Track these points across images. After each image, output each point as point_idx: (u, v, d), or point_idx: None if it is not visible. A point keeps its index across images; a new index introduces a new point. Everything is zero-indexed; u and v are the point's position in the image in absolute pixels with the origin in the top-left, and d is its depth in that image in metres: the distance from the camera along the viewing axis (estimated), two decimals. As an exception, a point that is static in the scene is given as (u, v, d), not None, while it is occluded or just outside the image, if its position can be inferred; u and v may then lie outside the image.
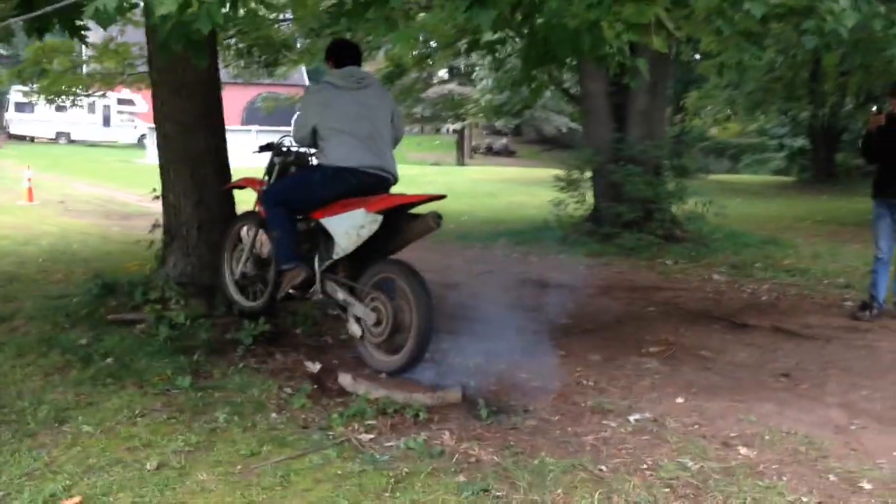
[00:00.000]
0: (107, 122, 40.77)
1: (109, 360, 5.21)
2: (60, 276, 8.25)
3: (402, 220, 5.09)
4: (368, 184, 5.16)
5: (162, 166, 6.31)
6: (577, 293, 8.03)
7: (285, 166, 5.66)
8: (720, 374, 5.66)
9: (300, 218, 5.42)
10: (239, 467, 3.78)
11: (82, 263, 9.11)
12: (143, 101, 36.25)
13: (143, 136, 39.57)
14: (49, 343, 5.52)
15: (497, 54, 5.50)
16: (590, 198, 12.33)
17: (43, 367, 5.15)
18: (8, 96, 37.36)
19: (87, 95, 12.06)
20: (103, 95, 14.13)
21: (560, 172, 12.45)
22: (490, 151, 44.42)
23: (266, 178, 5.74)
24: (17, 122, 38.75)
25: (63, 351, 5.36)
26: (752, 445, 4.22)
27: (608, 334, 6.69)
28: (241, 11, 2.67)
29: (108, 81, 12.04)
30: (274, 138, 5.96)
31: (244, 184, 5.95)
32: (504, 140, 44.66)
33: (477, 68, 16.26)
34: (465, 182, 23.73)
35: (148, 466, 3.76)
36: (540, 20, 3.10)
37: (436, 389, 4.81)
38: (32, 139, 38.44)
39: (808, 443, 4.27)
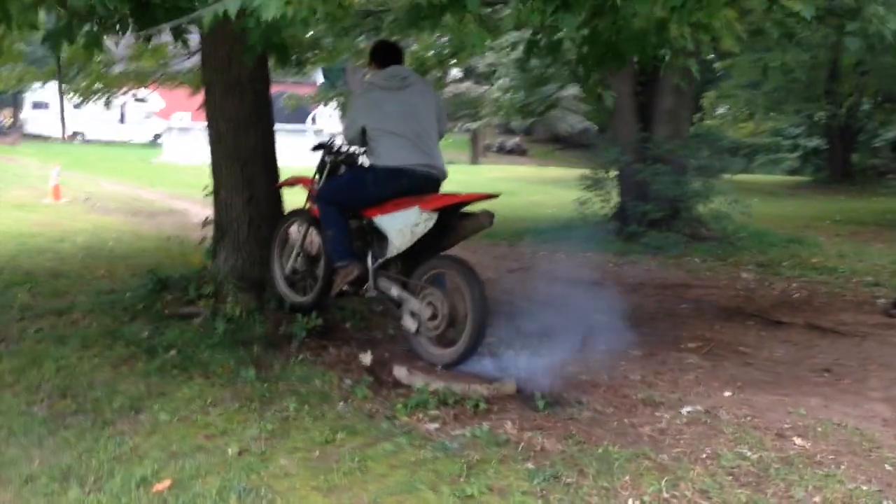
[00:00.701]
0: (122, 119, 40.89)
1: (173, 352, 5.37)
2: (103, 273, 8.41)
3: (455, 218, 5.23)
4: (420, 182, 5.31)
5: (214, 163, 6.46)
6: (610, 290, 8.17)
7: (336, 165, 5.80)
8: (761, 370, 5.78)
9: (352, 216, 5.57)
10: (317, 453, 3.93)
11: (122, 260, 9.28)
12: (159, 100, 36.39)
13: (157, 134, 39.79)
14: (112, 336, 5.69)
15: (556, 55, 5.63)
16: (615, 196, 12.44)
17: (109, 358, 5.31)
18: (24, 95, 37.49)
19: (122, 94, 12.21)
20: (140, 99, 14.14)
21: (586, 171, 12.58)
22: (502, 150, 44.49)
23: (317, 176, 5.89)
24: (32, 121, 38.90)
25: (127, 343, 5.53)
26: (807, 437, 4.34)
27: (645, 330, 6.80)
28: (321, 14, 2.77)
29: (141, 80, 12.19)
30: (325, 138, 6.11)
31: (295, 182, 6.10)
32: (517, 139, 44.72)
33: (499, 68, 16.39)
34: (482, 181, 23.84)
35: (230, 452, 3.91)
36: (604, 22, 3.21)
37: (492, 381, 4.95)
38: (76, 135, 38.36)
39: (859, 434, 4.40)
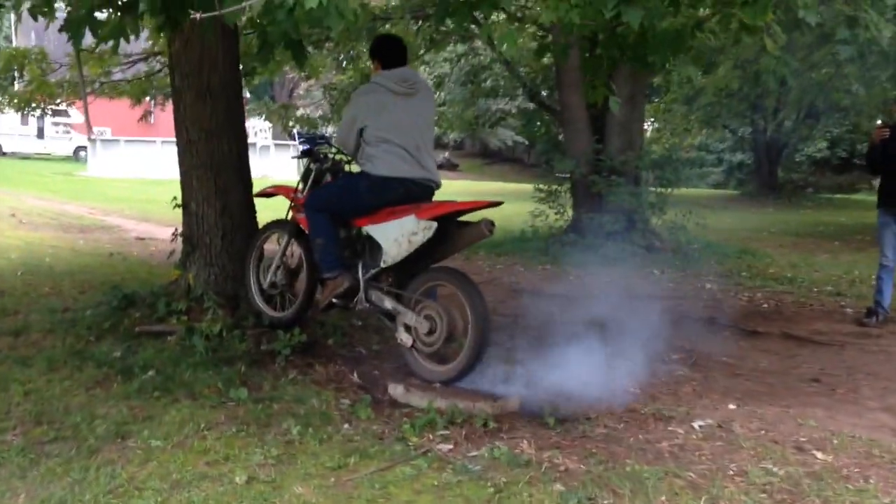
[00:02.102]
0: (41, 133, 39.59)
1: (151, 372, 5.03)
2: (49, 290, 7.96)
3: (452, 227, 5.02)
4: (415, 192, 5.08)
5: (183, 174, 6.13)
6: (578, 303, 8.04)
7: (321, 173, 5.54)
8: (752, 381, 5.72)
9: (341, 225, 5.31)
10: (332, 480, 3.67)
11: (66, 276, 8.81)
12: (78, 113, 35.32)
13: (79, 148, 38.62)
14: (80, 356, 5.31)
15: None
16: (569, 209, 12.40)
17: (80, 380, 4.94)
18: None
19: (58, 104, 11.67)
20: (60, 112, 13.58)
21: (539, 185, 12.53)
22: (432, 165, 44.33)
23: (300, 185, 5.62)
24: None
25: (98, 364, 5.17)
26: (826, 450, 4.26)
27: (625, 343, 6.69)
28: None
29: (76, 91, 11.68)
30: (310, 145, 5.79)
31: (276, 192, 5.82)
32: (446, 153, 44.73)
33: (447, 79, 16.26)
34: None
35: (237, 480, 3.62)
36: (636, 20, 3.06)
37: (495, 398, 4.75)
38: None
39: (876, 446, 4.34)
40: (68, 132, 40.01)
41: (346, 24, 2.82)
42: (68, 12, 3.15)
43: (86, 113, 3.69)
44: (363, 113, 5.08)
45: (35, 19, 3.23)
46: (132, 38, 3.65)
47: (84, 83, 3.76)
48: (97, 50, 8.73)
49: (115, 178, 27.46)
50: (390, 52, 5.23)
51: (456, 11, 3.73)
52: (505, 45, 3.36)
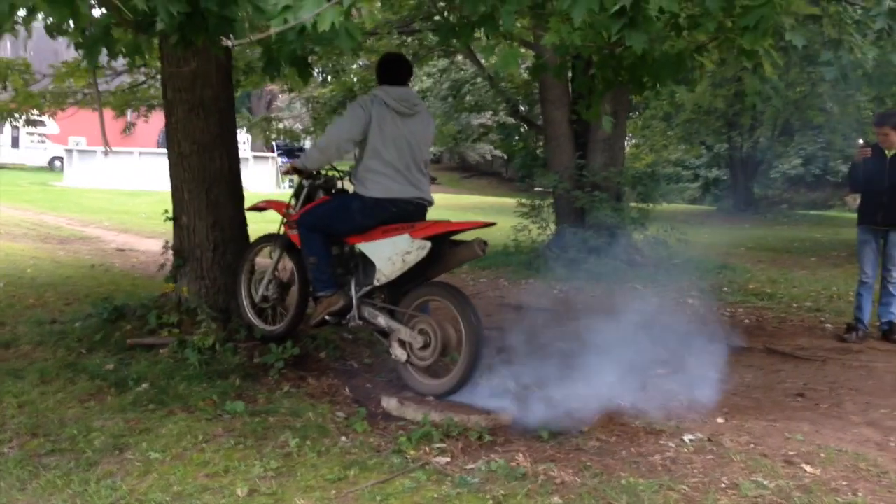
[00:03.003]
0: (15, 143, 39.27)
1: (145, 385, 5.04)
2: (34, 301, 7.94)
3: (445, 247, 5.07)
4: (408, 210, 5.15)
5: (174, 187, 6.14)
6: (563, 317, 8.14)
7: (313, 190, 5.58)
8: (739, 395, 5.81)
9: (334, 242, 5.35)
10: (333, 492, 3.70)
11: (49, 288, 8.78)
12: (53, 123, 35.10)
13: (54, 158, 38.33)
14: (73, 369, 5.32)
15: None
16: (551, 224, 12.49)
17: (74, 393, 4.96)
18: None
19: (41, 115, 11.63)
20: (35, 122, 13.46)
21: (522, 199, 12.60)
22: (410, 178, 44.36)
23: (292, 201, 5.65)
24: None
25: (91, 377, 5.17)
26: (814, 463, 4.34)
27: (612, 356, 6.76)
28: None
29: (58, 102, 11.66)
30: (288, 157, 5.84)
31: (268, 206, 5.85)
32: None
33: (429, 94, 16.37)
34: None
35: (239, 492, 3.65)
36: (639, 44, 3.14)
37: (488, 411, 4.80)
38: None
39: (862, 460, 4.42)
40: (43, 142, 39.71)
41: (354, 44, 2.88)
42: (83, 31, 3.18)
43: (102, 128, 3.69)
44: (357, 126, 5.06)
45: (52, 37, 3.26)
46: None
47: (99, 98, 3.76)
48: (82, 63, 8.70)
49: (92, 189, 27.29)
50: (395, 71, 5.25)
51: (459, 32, 3.80)
52: (504, 66, 3.44)
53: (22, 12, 2.91)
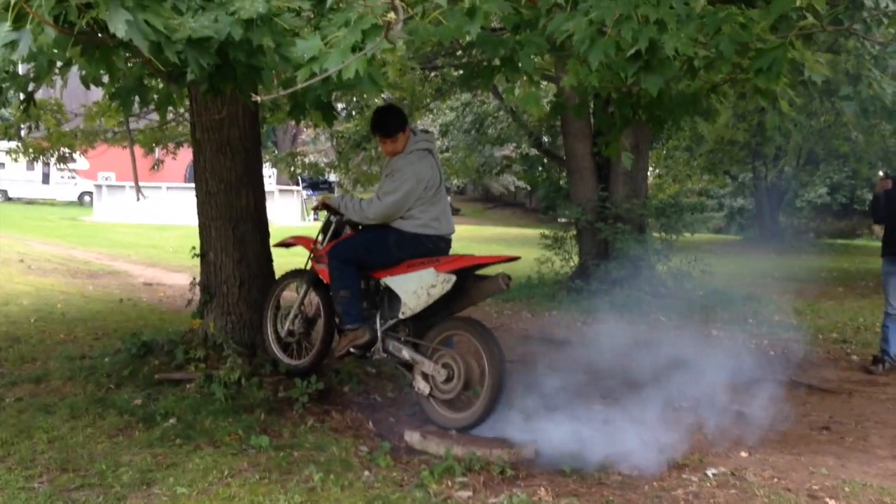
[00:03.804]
0: (46, 179, 39.90)
1: (172, 420, 5.12)
2: (64, 337, 8.06)
3: (470, 280, 5.14)
4: (440, 246, 5.25)
5: (202, 224, 6.26)
6: (586, 349, 8.13)
7: (340, 225, 5.67)
8: (762, 428, 5.77)
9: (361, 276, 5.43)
10: (357, 527, 3.75)
11: (79, 323, 8.91)
12: (83, 159, 35.62)
13: (84, 193, 38.90)
14: (102, 404, 5.41)
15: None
16: (574, 256, 12.52)
17: (103, 428, 5.03)
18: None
19: (72, 153, 11.86)
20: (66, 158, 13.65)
21: (545, 231, 12.64)
22: (434, 210, 44.54)
23: (320, 237, 5.74)
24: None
25: (120, 412, 5.26)
26: (838, 497, 4.34)
27: (636, 390, 6.77)
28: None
29: (89, 140, 11.87)
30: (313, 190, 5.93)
31: (295, 242, 5.94)
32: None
33: (452, 127, 16.54)
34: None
35: (264, 527, 3.70)
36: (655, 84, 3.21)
37: (512, 445, 4.83)
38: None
39: (887, 494, 4.42)
40: (73, 177, 40.27)
41: (378, 89, 2.97)
42: (117, 82, 3.31)
43: (135, 175, 3.78)
44: (422, 183, 5.17)
45: (87, 87, 3.38)
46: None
47: (133, 149, 3.88)
48: (113, 104, 8.88)
49: (121, 223, 27.65)
50: (407, 119, 5.42)
51: (480, 74, 3.89)
52: (525, 105, 3.52)
53: (59, 63, 3.04)
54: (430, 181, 5.17)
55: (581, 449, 4.94)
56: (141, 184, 4.65)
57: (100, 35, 2.63)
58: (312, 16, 3.04)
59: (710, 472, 4.68)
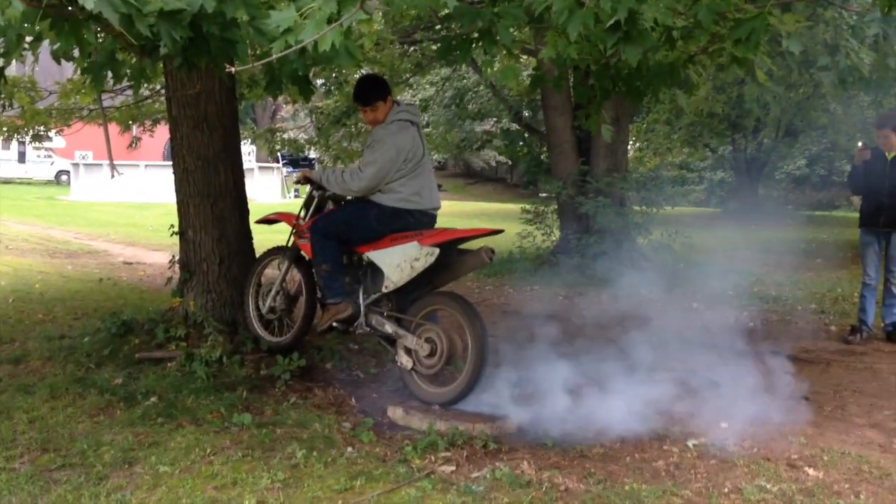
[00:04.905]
0: (22, 158, 39.46)
1: (153, 398, 5.10)
2: (42, 317, 8.01)
3: (453, 254, 5.13)
4: (422, 220, 5.22)
5: (180, 202, 6.21)
6: (569, 323, 8.19)
7: (323, 200, 5.64)
8: (742, 399, 5.80)
9: (343, 251, 5.40)
10: (339, 502, 3.75)
11: (57, 303, 8.84)
12: (59, 138, 35.22)
13: (61, 172, 38.53)
14: (82, 383, 5.37)
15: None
16: (555, 230, 12.53)
17: (84, 408, 5.01)
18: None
19: (48, 131, 11.71)
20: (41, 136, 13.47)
21: (527, 205, 12.64)
22: (415, 185, 44.43)
23: (302, 212, 5.71)
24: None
25: (100, 391, 5.23)
26: (817, 466, 4.38)
27: (617, 362, 6.79)
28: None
29: (65, 118, 11.72)
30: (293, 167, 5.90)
31: (278, 218, 5.91)
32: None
33: (432, 102, 16.46)
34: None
35: (247, 504, 3.70)
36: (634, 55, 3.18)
37: (493, 419, 4.85)
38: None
39: (865, 462, 4.46)
40: (49, 156, 39.85)
41: (354, 63, 2.93)
42: (89, 55, 3.25)
43: (109, 152, 3.71)
44: (400, 154, 5.13)
45: (58, 63, 3.33)
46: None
47: (106, 126, 3.82)
48: (87, 82, 8.76)
49: (99, 202, 27.43)
50: (389, 90, 5.37)
51: (458, 47, 3.86)
52: (504, 80, 3.50)
53: (28, 38, 2.99)
54: (410, 153, 5.13)
55: (562, 422, 4.97)
56: (119, 162, 4.58)
57: (69, 8, 2.59)
58: (287, -13, 3.00)
59: (690, 442, 4.71)
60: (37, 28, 2.77)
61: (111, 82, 4.25)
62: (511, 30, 3.50)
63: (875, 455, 4.60)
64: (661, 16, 2.91)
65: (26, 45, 3.18)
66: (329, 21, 2.59)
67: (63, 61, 3.60)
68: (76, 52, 3.30)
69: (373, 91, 5.26)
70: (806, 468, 4.35)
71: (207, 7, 2.66)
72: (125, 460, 4.22)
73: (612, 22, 3.03)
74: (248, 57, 3.08)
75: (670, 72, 4.01)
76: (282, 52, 2.54)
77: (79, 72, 4.56)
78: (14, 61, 4.56)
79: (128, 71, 3.57)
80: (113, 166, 4.01)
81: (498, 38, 3.41)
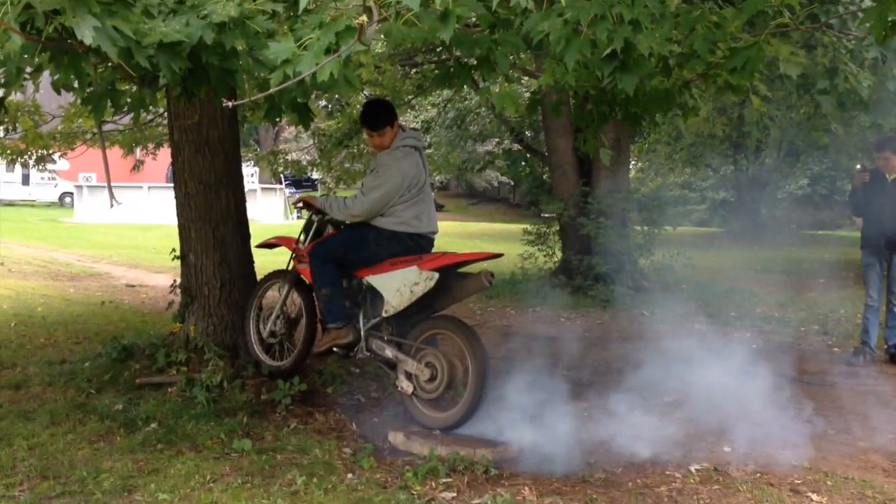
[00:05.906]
0: (26, 180, 39.55)
1: (154, 424, 5.09)
2: (44, 341, 8.00)
3: (453, 278, 5.13)
4: (421, 244, 5.24)
5: (181, 226, 6.23)
6: (571, 345, 8.14)
7: (322, 224, 5.65)
8: (745, 422, 5.79)
9: (343, 275, 5.41)
10: (340, 530, 3.73)
11: (59, 327, 8.83)
12: (63, 160, 35.33)
13: (64, 194, 38.62)
14: (83, 409, 5.37)
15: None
16: (557, 251, 12.54)
17: (84, 434, 4.99)
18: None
19: (51, 155, 11.77)
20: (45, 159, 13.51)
21: (528, 226, 12.66)
22: (418, 206, 44.49)
23: (302, 236, 5.72)
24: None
25: (101, 417, 5.22)
26: (820, 491, 4.36)
27: (621, 383, 6.77)
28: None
29: (68, 142, 11.79)
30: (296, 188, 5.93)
31: (278, 242, 5.93)
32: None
33: (433, 123, 16.52)
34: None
35: (246, 533, 3.68)
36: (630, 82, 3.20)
37: (495, 444, 4.83)
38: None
39: (869, 487, 4.44)
40: (53, 178, 39.96)
41: (353, 91, 2.95)
42: (88, 87, 3.27)
43: (108, 180, 3.73)
44: (407, 180, 5.18)
45: (58, 93, 3.36)
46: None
47: (104, 150, 3.84)
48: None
49: (102, 224, 27.47)
50: (396, 115, 5.41)
51: (457, 74, 3.88)
52: (502, 105, 3.52)
53: (29, 68, 3.01)
54: (414, 179, 5.17)
55: (565, 447, 4.95)
56: (122, 184, 4.61)
57: (68, 41, 2.61)
58: (286, 18, 3.02)
59: (693, 467, 4.70)
60: (36, 60, 2.79)
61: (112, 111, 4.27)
62: (509, 56, 3.51)
63: (879, 480, 4.58)
64: (657, 45, 2.93)
65: (27, 76, 3.20)
66: (327, 52, 2.61)
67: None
68: (76, 83, 3.32)
69: (381, 117, 5.30)
70: (809, 493, 4.33)
71: (206, 39, 2.69)
72: (125, 487, 4.21)
73: (608, 51, 3.05)
74: (248, 85, 3.09)
75: (666, 98, 4.03)
76: (280, 83, 2.55)
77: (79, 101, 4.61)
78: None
79: (128, 100, 3.59)
80: (112, 194, 4.02)
81: (496, 65, 3.43)
